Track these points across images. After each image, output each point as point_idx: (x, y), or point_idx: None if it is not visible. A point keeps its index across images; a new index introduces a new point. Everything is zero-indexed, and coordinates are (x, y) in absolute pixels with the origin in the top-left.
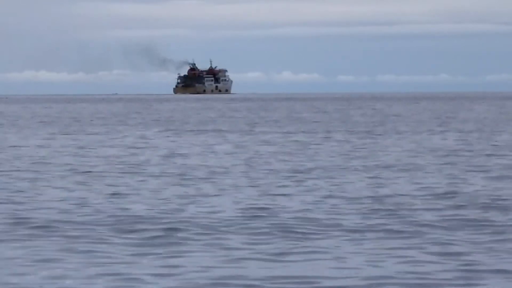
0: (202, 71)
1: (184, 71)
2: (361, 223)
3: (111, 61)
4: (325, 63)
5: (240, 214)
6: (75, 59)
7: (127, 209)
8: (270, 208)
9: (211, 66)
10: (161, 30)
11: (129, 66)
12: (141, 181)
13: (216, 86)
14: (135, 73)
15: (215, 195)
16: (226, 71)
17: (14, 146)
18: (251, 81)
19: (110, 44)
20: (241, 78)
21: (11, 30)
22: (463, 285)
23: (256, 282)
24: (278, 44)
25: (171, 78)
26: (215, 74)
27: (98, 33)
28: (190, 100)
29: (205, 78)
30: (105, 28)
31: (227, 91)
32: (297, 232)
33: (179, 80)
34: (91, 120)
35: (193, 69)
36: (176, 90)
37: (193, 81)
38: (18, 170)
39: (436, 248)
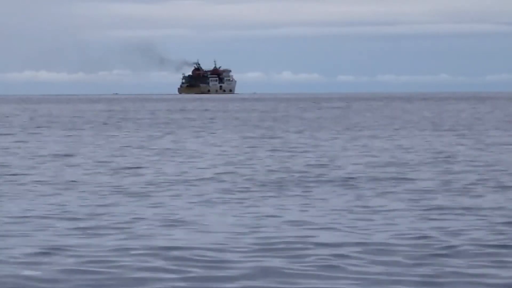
0: (206, 71)
1: (184, 71)
2: None
3: (111, 61)
4: (325, 63)
5: None
6: (75, 59)
7: None
8: None
9: (215, 66)
10: (161, 30)
11: (129, 66)
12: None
13: (221, 86)
14: (135, 73)
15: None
16: (230, 71)
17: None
18: (252, 81)
19: (110, 44)
20: (242, 78)
21: (11, 30)
22: None
23: None
24: (278, 44)
25: (172, 78)
26: (219, 74)
27: (98, 33)
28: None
29: (210, 78)
30: (105, 28)
31: (231, 91)
32: None
33: (183, 80)
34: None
35: (197, 69)
36: (180, 90)
37: (198, 81)
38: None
39: None
